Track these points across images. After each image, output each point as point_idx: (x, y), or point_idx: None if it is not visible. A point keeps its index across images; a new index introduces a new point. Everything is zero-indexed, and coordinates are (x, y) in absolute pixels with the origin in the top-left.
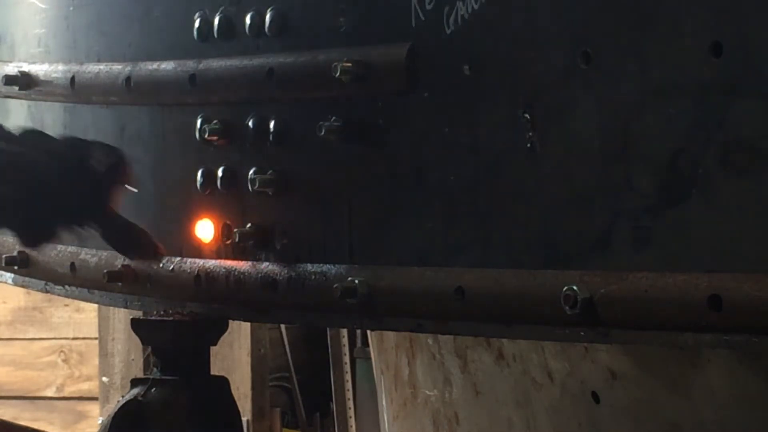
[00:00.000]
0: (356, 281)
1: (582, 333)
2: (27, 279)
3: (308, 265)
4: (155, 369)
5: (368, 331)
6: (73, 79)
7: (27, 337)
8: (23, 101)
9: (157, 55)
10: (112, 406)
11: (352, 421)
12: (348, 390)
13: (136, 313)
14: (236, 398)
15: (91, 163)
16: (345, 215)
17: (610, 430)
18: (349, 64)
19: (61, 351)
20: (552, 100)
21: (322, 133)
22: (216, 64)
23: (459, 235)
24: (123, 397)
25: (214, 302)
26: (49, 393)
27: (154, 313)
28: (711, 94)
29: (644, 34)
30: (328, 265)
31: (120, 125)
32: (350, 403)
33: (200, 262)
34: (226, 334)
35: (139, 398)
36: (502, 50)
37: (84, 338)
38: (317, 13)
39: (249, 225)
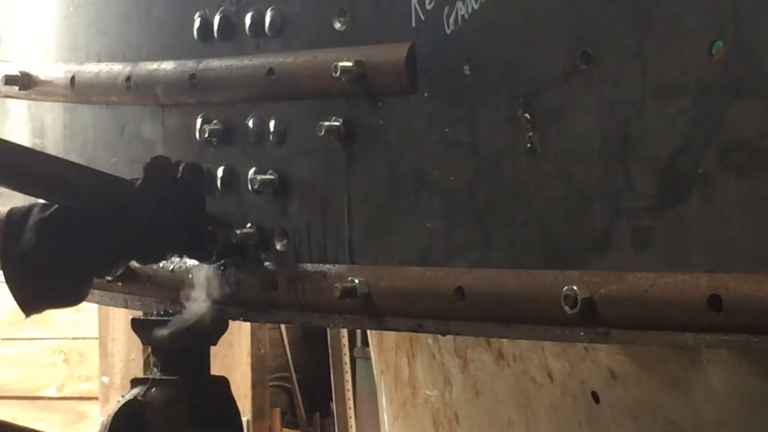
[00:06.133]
0: (356, 281)
1: (582, 333)
2: None
3: (308, 265)
4: (155, 369)
5: (368, 331)
6: (73, 79)
7: (27, 337)
8: (23, 101)
9: (157, 55)
10: (112, 406)
11: (352, 421)
12: (348, 390)
13: (136, 313)
14: (236, 398)
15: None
16: (345, 215)
17: (610, 430)
18: (349, 64)
19: (61, 351)
20: (552, 100)
21: (322, 133)
22: (216, 64)
23: (459, 235)
24: (123, 397)
25: (215, 302)
26: (49, 393)
27: (154, 313)
28: (711, 94)
29: (644, 34)
30: (328, 265)
31: (120, 125)
32: (350, 403)
33: None
34: (226, 334)
35: (139, 398)
36: (502, 50)
37: (84, 338)
38: (317, 13)
39: (249, 225)
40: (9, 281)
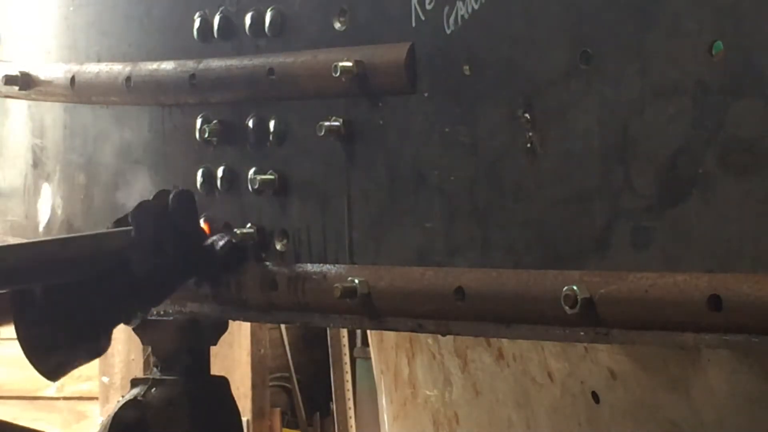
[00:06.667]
0: (356, 281)
1: (582, 333)
2: None
3: (308, 265)
4: (155, 369)
5: (368, 331)
6: (73, 79)
7: None
8: (23, 101)
9: (157, 55)
10: (112, 406)
11: (352, 421)
12: (348, 390)
13: None
14: (236, 398)
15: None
16: (345, 215)
17: (610, 430)
18: (349, 64)
19: None
20: (552, 100)
21: (322, 133)
22: (216, 64)
23: (459, 235)
24: (123, 397)
25: (215, 302)
26: (49, 393)
27: (154, 313)
28: (711, 94)
29: (644, 34)
30: (328, 265)
31: (120, 125)
32: (350, 403)
33: None
34: (226, 334)
35: (139, 398)
36: (502, 50)
37: None
38: (317, 13)
39: (249, 225)
40: (26, 352)
